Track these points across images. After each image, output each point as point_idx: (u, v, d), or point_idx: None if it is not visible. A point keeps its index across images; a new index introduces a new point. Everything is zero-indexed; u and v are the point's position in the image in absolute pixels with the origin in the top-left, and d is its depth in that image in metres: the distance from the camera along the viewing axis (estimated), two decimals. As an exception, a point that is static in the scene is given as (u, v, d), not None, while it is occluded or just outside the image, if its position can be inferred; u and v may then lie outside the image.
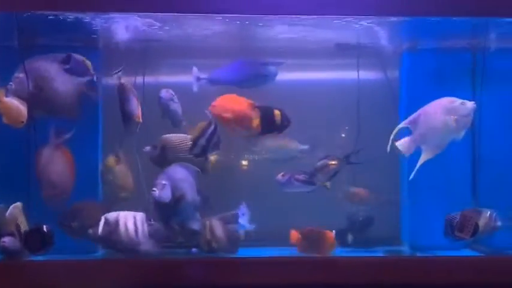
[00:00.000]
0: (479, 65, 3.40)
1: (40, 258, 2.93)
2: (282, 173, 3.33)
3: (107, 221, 2.99)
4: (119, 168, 3.33)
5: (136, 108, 3.17)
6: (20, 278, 2.82)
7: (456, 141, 3.09)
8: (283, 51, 3.50)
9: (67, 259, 2.94)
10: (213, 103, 3.28)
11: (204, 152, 3.16)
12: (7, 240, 2.89)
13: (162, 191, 3.02)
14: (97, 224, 2.99)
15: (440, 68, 3.39)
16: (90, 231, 2.99)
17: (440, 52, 3.41)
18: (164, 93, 3.30)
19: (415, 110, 3.15)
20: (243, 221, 3.25)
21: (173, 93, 3.31)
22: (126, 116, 3.17)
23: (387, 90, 3.58)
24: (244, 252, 3.15)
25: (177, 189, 3.06)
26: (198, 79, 3.35)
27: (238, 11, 2.88)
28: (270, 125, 3.22)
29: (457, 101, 3.04)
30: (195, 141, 3.14)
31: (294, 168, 3.36)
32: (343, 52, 3.53)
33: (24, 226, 2.94)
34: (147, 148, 3.24)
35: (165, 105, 3.31)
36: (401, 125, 3.13)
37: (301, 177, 3.33)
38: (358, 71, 3.59)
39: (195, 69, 3.36)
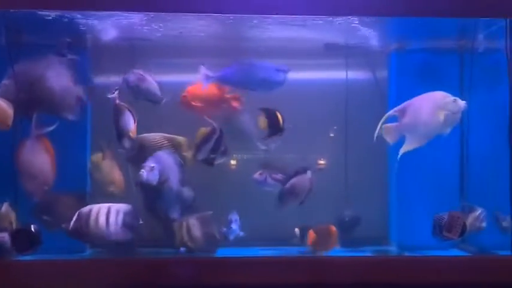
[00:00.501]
0: (467, 65, 3.41)
1: (27, 258, 2.91)
2: (259, 172, 3.33)
3: (79, 215, 2.97)
4: (104, 164, 3.31)
5: (131, 124, 3.14)
6: (6, 278, 2.79)
7: (442, 137, 3.09)
8: (272, 51, 3.51)
9: (54, 259, 2.92)
10: (183, 94, 3.29)
11: (211, 158, 3.18)
12: (3, 236, 2.88)
13: (150, 173, 3.02)
14: (71, 216, 2.98)
15: (429, 68, 3.39)
16: (63, 225, 2.98)
17: (429, 52, 3.42)
18: (131, 76, 3.23)
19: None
20: (235, 226, 3.25)
21: (142, 73, 3.24)
22: (120, 132, 3.14)
23: (376, 90, 3.59)
24: (234, 252, 3.15)
25: (164, 174, 3.07)
26: (207, 77, 3.29)
27: (228, 10, 2.88)
28: (275, 127, 3.25)
29: (449, 97, 3.05)
30: (198, 147, 3.16)
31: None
32: (332, 52, 3.53)
33: (15, 223, 2.94)
34: (122, 150, 3.22)
35: (135, 88, 3.24)
36: (391, 112, 3.14)
37: (278, 176, 3.33)
38: (346, 71, 3.60)
39: (203, 68, 3.29)
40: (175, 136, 3.27)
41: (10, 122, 2.98)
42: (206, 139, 3.19)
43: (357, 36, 3.32)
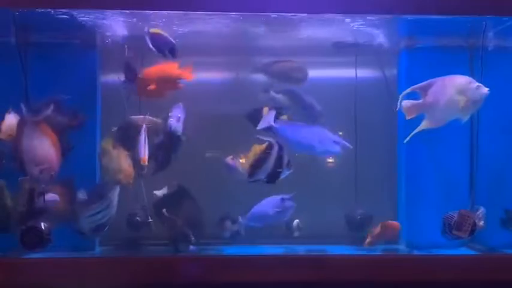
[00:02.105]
0: (477, 63, 3.39)
1: (37, 255, 2.93)
2: (231, 156, 3.26)
3: None
4: (114, 152, 3.32)
5: (143, 151, 3.16)
6: (16, 276, 2.82)
7: (459, 122, 3.06)
8: (280, 49, 3.51)
9: (64, 257, 2.94)
10: (138, 89, 3.26)
11: (276, 176, 3.09)
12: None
13: (177, 123, 3.06)
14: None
15: (438, 66, 3.37)
16: None
17: (439, 50, 3.41)
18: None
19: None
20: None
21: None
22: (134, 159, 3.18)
23: (385, 88, 3.58)
24: (240, 250, 3.16)
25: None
26: (268, 123, 3.16)
27: (236, 9, 2.89)
28: None
29: (473, 83, 3.02)
30: (257, 165, 3.08)
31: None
32: (341, 50, 3.52)
33: None
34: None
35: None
36: (412, 88, 3.12)
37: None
38: (356, 70, 3.59)
39: (270, 112, 3.21)
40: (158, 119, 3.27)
41: (14, 132, 3.00)
42: (265, 155, 3.09)
43: (366, 34, 3.31)
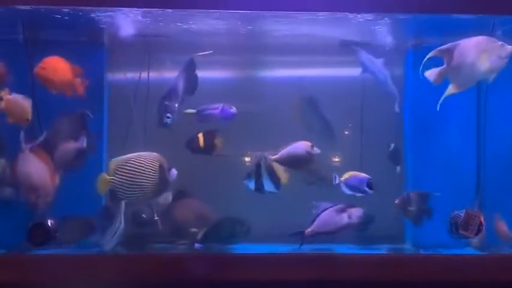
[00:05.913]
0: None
1: (44, 252, 2.94)
2: None
3: None
4: None
5: None
6: (23, 272, 2.83)
7: (486, 82, 3.07)
8: (287, 48, 3.51)
9: (70, 253, 2.95)
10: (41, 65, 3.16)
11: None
12: None
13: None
14: None
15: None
16: None
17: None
18: None
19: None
20: None
21: None
22: None
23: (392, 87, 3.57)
24: (246, 249, 3.16)
25: None
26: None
27: (241, 7, 2.89)
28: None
29: (496, 42, 2.99)
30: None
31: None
32: (348, 49, 3.52)
33: None
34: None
35: None
36: (434, 52, 3.07)
37: None
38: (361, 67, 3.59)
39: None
40: None
41: (29, 116, 2.97)
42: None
43: (373, 33, 3.31)
